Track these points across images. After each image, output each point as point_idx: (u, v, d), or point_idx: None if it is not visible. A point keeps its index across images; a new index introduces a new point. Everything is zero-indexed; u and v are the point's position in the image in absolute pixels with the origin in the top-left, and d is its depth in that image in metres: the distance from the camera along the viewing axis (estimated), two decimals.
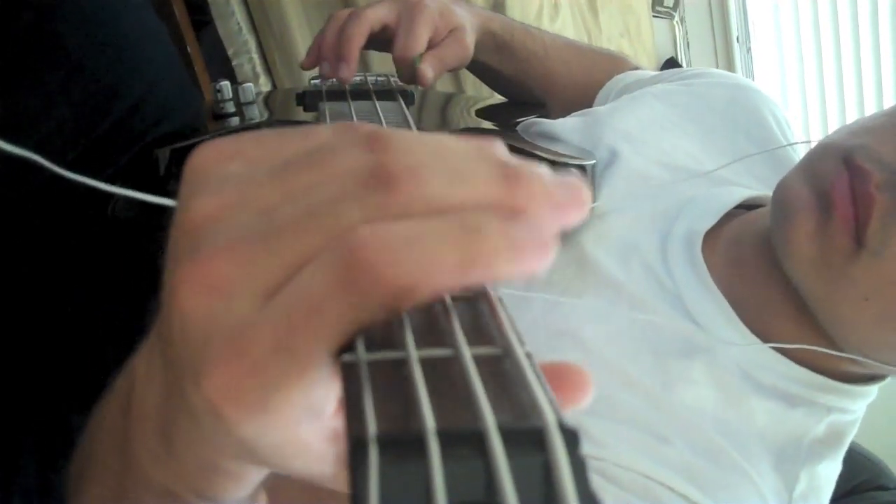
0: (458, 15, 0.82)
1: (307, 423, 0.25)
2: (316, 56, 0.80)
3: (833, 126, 1.94)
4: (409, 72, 0.79)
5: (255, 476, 0.31)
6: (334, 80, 0.82)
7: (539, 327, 0.61)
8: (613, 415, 0.56)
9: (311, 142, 0.26)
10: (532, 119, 0.81)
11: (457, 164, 0.24)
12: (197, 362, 0.23)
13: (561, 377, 0.24)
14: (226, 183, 0.25)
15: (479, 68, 0.94)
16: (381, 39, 0.80)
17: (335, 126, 0.26)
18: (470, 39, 0.83)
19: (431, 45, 0.80)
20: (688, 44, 1.92)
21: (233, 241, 0.24)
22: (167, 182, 0.69)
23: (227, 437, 0.25)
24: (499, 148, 0.26)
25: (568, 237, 0.67)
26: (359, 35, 0.78)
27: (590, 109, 0.84)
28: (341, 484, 0.29)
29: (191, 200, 0.25)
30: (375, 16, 0.79)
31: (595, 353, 0.60)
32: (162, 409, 0.29)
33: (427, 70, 0.77)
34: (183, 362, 0.24)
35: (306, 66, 0.81)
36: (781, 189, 0.59)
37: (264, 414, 0.23)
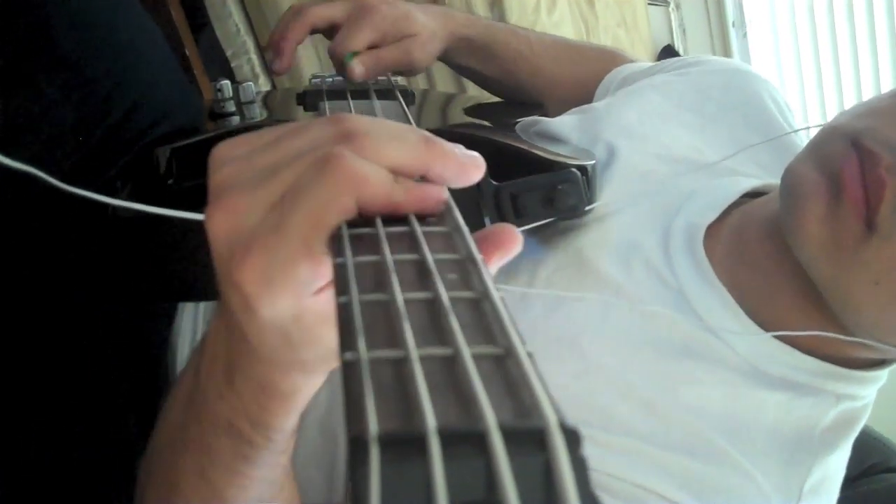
0: (418, 24, 0.83)
1: (308, 296, 0.34)
2: (265, 50, 0.82)
3: (831, 109, 1.93)
4: (338, 66, 0.80)
5: (301, 397, 0.41)
6: (335, 78, 0.82)
7: (537, 332, 0.61)
8: (609, 425, 0.56)
9: (296, 124, 0.36)
10: (531, 118, 0.81)
11: (396, 131, 0.34)
12: (229, 266, 0.33)
13: (490, 238, 0.34)
14: (234, 159, 0.35)
15: (464, 71, 0.95)
16: (331, 35, 0.82)
17: (316, 117, 0.36)
18: (424, 48, 0.84)
19: (375, 48, 0.81)
20: (684, 31, 1.92)
21: (242, 183, 0.33)
22: (167, 180, 0.69)
23: (255, 320, 0.34)
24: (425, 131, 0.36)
25: (567, 240, 0.68)
26: (296, 30, 0.80)
27: (587, 106, 0.84)
28: None
29: (215, 173, 0.35)
30: (321, 13, 0.81)
31: (593, 361, 0.60)
32: (227, 347, 0.40)
33: (356, 66, 0.78)
34: (223, 273, 0.34)
35: (266, 57, 0.85)
36: (790, 174, 0.59)
37: (276, 285, 0.32)
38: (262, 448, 0.43)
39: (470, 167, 0.35)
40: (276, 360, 0.38)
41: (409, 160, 0.33)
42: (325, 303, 0.35)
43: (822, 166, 0.56)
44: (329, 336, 0.36)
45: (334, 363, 0.38)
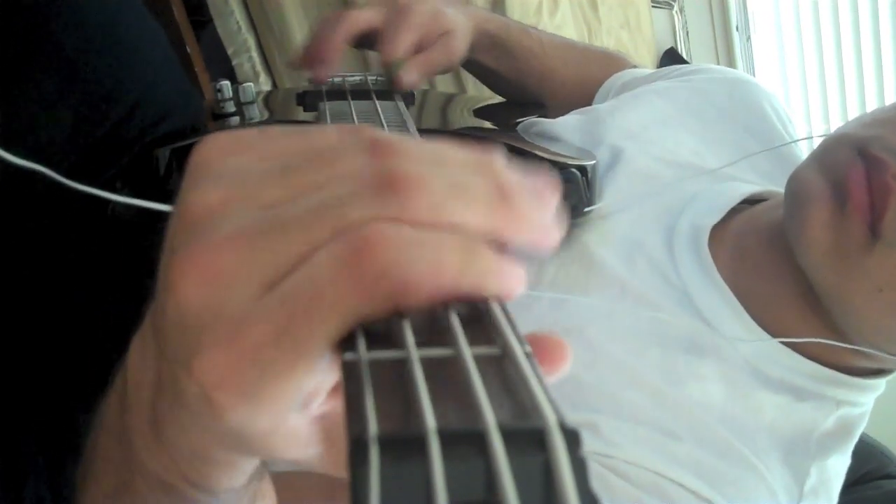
0: (451, 18, 0.82)
1: (297, 412, 0.26)
2: (301, 59, 0.80)
3: (834, 115, 1.93)
4: (388, 76, 0.78)
5: (246, 466, 0.31)
6: (335, 79, 0.82)
7: (544, 325, 0.61)
8: (621, 413, 0.56)
9: (316, 142, 0.26)
10: (532, 119, 0.81)
11: (458, 175, 0.25)
12: (191, 348, 0.24)
13: (541, 347, 0.25)
14: (229, 177, 0.25)
15: (476, 68, 0.94)
16: (371, 39, 0.80)
17: (340, 128, 0.27)
18: (461, 43, 0.83)
19: (420, 49, 0.79)
20: (687, 34, 1.92)
21: (235, 232, 0.24)
22: (167, 181, 0.69)
23: (216, 423, 0.25)
24: (497, 161, 0.26)
25: (573, 237, 0.67)
26: (338, 36, 0.78)
27: (589, 108, 0.84)
28: (325, 466, 0.30)
29: (193, 192, 0.25)
30: (359, 18, 0.79)
31: (601, 350, 0.60)
32: (154, 398, 0.29)
33: (407, 76, 0.77)
34: (177, 350, 0.25)
35: (290, 65, 0.82)
36: (795, 180, 0.59)
37: (257, 401, 0.24)
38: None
39: (546, 236, 0.27)
40: (216, 440, 0.28)
41: (473, 224, 0.24)
42: (309, 419, 0.27)
43: (828, 173, 0.56)
44: (293, 452, 0.28)
45: (290, 464, 0.30)
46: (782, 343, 0.60)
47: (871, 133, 0.57)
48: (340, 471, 0.28)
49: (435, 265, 0.23)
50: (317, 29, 0.80)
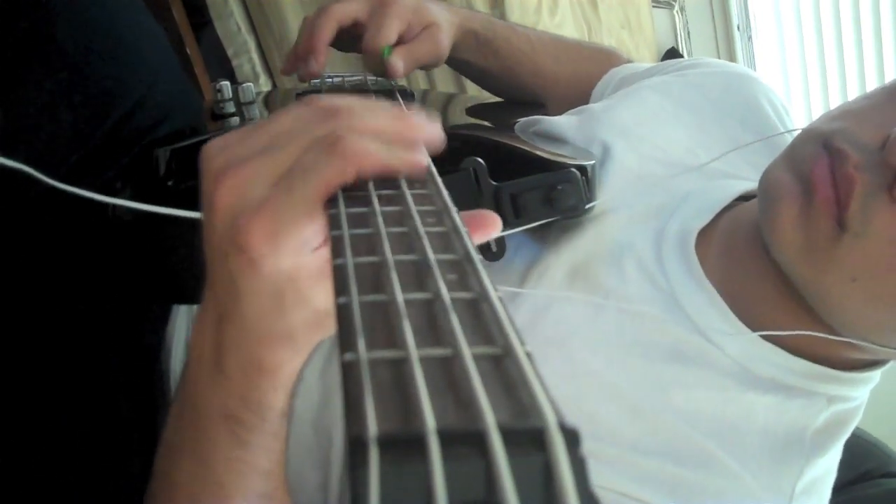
0: (434, 13, 0.82)
1: (306, 254, 0.37)
2: (292, 61, 0.81)
3: None
4: (377, 64, 0.79)
5: (288, 371, 0.42)
6: (334, 79, 0.82)
7: (525, 334, 0.61)
8: (595, 431, 0.56)
9: (272, 114, 0.40)
10: (530, 118, 0.81)
11: (366, 103, 0.39)
12: (232, 232, 0.36)
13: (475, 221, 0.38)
14: (224, 147, 0.38)
15: (465, 68, 0.94)
16: (353, 35, 0.81)
17: (298, 105, 0.39)
18: (445, 37, 0.83)
19: (404, 41, 0.80)
20: (688, 33, 1.92)
21: (242, 159, 0.37)
22: (167, 181, 0.69)
23: (261, 283, 0.38)
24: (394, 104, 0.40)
25: (560, 242, 0.68)
26: (326, 28, 0.79)
27: (585, 106, 0.84)
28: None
29: (211, 162, 0.38)
30: (344, 10, 0.79)
31: (581, 363, 0.60)
32: (215, 332, 0.42)
33: (397, 62, 0.77)
34: (223, 241, 0.37)
35: (284, 72, 0.83)
36: (765, 178, 0.59)
37: (284, 243, 0.36)
38: (256, 429, 0.44)
39: (425, 127, 0.39)
40: (264, 331, 0.40)
41: (388, 127, 0.37)
42: (318, 260, 0.38)
43: (795, 169, 0.57)
44: (317, 297, 0.40)
45: (317, 332, 0.42)
46: (771, 342, 0.60)
47: (835, 126, 0.57)
48: None
49: (377, 146, 0.36)
50: (302, 27, 0.81)
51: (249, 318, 0.40)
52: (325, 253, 0.37)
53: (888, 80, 1.86)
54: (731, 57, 1.94)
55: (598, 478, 0.52)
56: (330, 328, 0.42)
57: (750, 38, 1.95)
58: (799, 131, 0.62)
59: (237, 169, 0.37)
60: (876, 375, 0.64)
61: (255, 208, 0.36)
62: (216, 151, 0.38)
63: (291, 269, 0.38)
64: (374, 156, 0.36)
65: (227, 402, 0.43)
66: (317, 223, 0.36)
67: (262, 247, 0.36)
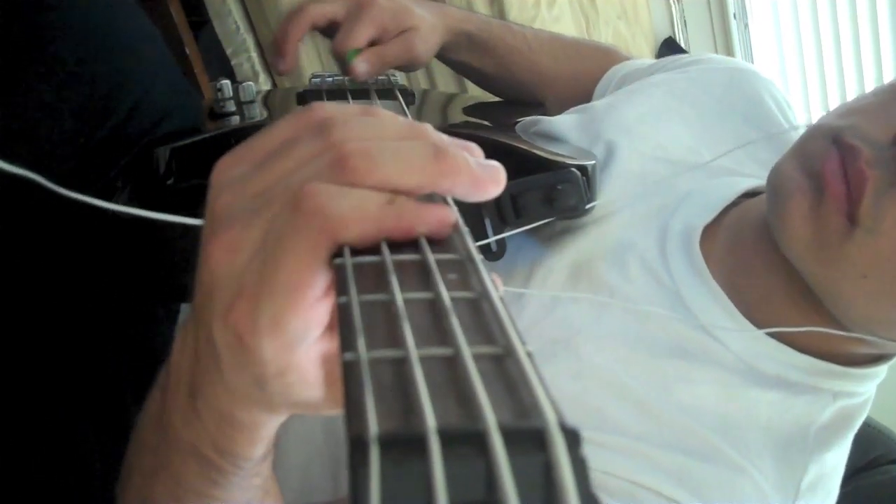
0: (417, 17, 0.83)
1: (302, 346, 0.32)
2: (269, 53, 0.82)
3: (833, 102, 1.92)
4: (342, 65, 0.79)
5: (263, 431, 0.39)
6: (335, 78, 0.82)
7: (532, 334, 0.61)
8: (603, 425, 0.56)
9: (280, 136, 0.34)
10: (531, 118, 0.81)
11: (395, 143, 0.32)
12: (225, 303, 0.32)
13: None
14: (229, 184, 0.34)
15: (461, 68, 0.95)
16: (330, 35, 0.81)
17: (296, 117, 0.34)
18: (423, 41, 0.83)
19: (378, 44, 0.80)
20: (685, 23, 1.91)
21: (235, 215, 0.32)
22: (167, 180, 0.69)
23: (245, 359, 0.32)
24: (428, 126, 0.33)
25: (564, 242, 0.68)
26: (296, 29, 0.80)
27: (587, 105, 0.84)
28: (329, 407, 0.37)
29: (215, 200, 0.33)
30: (318, 11, 0.80)
31: (587, 361, 0.60)
32: (192, 370, 0.37)
33: (360, 64, 0.78)
34: (213, 308, 0.32)
35: (275, 69, 0.84)
36: (775, 173, 0.59)
37: (266, 337, 0.31)
38: (230, 474, 0.41)
39: (487, 182, 0.32)
40: (241, 394, 0.36)
41: (410, 181, 0.30)
42: (314, 360, 0.33)
43: (805, 165, 0.57)
44: (304, 393, 0.35)
45: (300, 409, 0.37)
46: (776, 339, 0.60)
47: (845, 122, 0.57)
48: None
49: (357, 210, 0.29)
50: (281, 22, 0.82)
51: (227, 380, 0.35)
52: (328, 345, 0.33)
53: (885, 66, 1.86)
54: (728, 46, 1.93)
55: (608, 465, 0.53)
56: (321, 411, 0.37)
57: (746, 26, 1.94)
58: (804, 128, 0.62)
59: (227, 228, 0.32)
60: (882, 370, 0.63)
61: (237, 288, 0.31)
62: (220, 184, 0.34)
63: (278, 363, 0.32)
64: (355, 222, 0.29)
65: (200, 445, 0.39)
66: (306, 312, 0.30)
67: (246, 333, 0.31)
